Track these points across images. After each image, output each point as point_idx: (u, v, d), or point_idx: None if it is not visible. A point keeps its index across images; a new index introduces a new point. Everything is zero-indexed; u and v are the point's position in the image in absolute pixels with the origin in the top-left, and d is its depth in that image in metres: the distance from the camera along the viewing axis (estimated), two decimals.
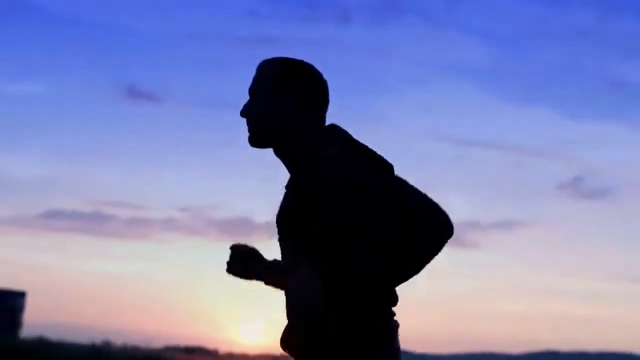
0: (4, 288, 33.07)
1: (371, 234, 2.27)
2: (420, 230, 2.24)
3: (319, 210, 2.27)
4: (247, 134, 2.45)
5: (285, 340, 2.40)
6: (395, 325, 2.32)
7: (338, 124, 2.45)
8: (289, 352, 2.40)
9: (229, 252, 2.42)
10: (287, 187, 2.44)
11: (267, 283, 2.39)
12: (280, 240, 2.42)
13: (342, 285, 2.25)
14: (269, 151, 2.47)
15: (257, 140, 2.44)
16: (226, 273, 2.42)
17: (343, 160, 2.29)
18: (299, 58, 2.47)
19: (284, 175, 2.48)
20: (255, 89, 2.44)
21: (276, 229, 2.44)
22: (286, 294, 2.37)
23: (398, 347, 2.31)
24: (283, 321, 2.42)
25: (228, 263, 2.42)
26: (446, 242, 2.28)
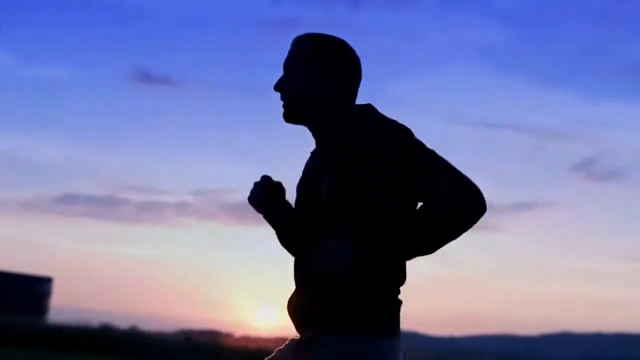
0: (31, 274, 33.32)
1: (402, 199, 2.28)
2: (451, 205, 2.23)
3: (356, 170, 2.28)
4: (281, 109, 2.46)
5: (291, 304, 2.40)
6: (400, 303, 2.34)
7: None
8: (292, 316, 2.41)
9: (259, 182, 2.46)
10: (316, 152, 2.46)
11: (279, 228, 2.49)
12: (304, 201, 2.43)
13: (367, 253, 2.25)
14: (282, 133, 2.51)
15: (292, 114, 2.45)
16: (247, 202, 2.48)
17: (382, 128, 2.29)
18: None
19: (297, 159, 2.52)
20: (290, 64, 2.46)
21: (298, 193, 2.47)
22: (305, 256, 2.38)
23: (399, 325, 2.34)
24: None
25: (251, 192, 2.47)
26: (477, 219, 2.26)
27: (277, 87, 2.46)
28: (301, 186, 2.46)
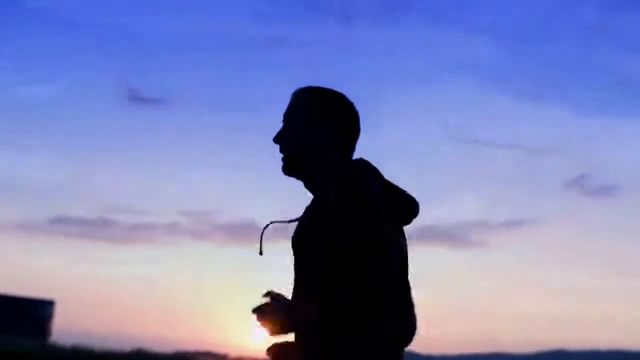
0: (34, 297, 33.19)
1: (368, 275, 2.19)
2: (389, 313, 2.16)
3: (340, 231, 2.22)
4: (280, 162, 2.44)
5: (277, 354, 2.34)
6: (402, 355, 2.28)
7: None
8: None
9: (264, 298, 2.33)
10: (310, 208, 2.41)
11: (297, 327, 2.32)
12: (295, 260, 2.39)
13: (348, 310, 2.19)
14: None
15: (292, 167, 2.43)
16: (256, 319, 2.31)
17: (374, 193, 2.28)
18: (309, 60, 2.60)
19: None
20: (291, 116, 2.45)
21: (292, 250, 2.40)
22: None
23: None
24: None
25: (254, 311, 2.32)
26: (405, 343, 2.21)
27: (276, 140, 2.45)
28: (296, 240, 2.41)
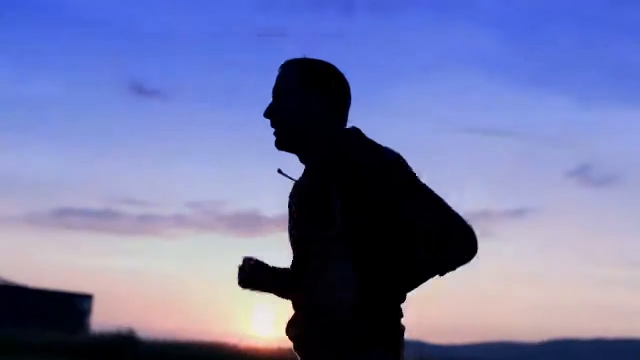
0: (71, 291, 33.59)
1: (391, 231, 2.23)
2: (446, 244, 2.20)
3: (351, 200, 2.22)
4: (272, 138, 2.40)
5: (293, 332, 2.35)
6: (403, 328, 2.31)
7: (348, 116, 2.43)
8: (294, 342, 2.36)
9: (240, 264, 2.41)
10: (308, 174, 2.38)
11: (278, 293, 2.42)
12: (296, 228, 2.35)
13: (370, 281, 2.21)
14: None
15: (285, 142, 2.39)
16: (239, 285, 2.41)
17: (376, 152, 2.26)
18: (310, 52, 2.44)
19: (292, 168, 2.42)
20: (281, 90, 2.39)
21: (291, 219, 2.38)
22: (307, 293, 2.31)
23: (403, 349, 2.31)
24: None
25: (238, 275, 2.40)
26: (469, 259, 2.22)
27: (267, 114, 2.39)
28: (294, 219, 2.37)
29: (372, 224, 2.23)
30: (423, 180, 2.25)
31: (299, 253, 2.36)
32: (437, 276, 2.23)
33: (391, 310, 2.26)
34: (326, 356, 2.25)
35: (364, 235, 2.23)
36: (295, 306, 2.37)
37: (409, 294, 2.27)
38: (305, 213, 2.31)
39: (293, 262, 2.40)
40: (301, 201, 2.34)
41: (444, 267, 2.22)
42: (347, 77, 2.42)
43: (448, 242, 2.19)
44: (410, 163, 2.27)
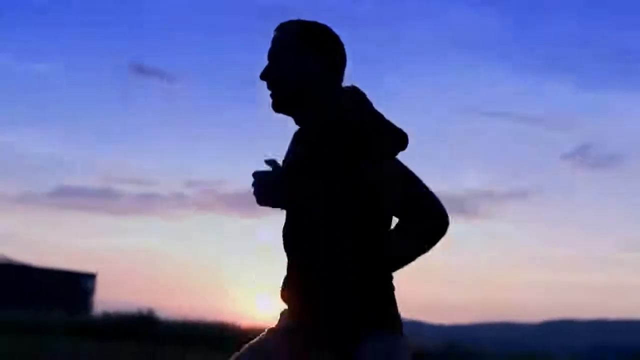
0: (75, 270, 33.68)
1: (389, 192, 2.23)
2: (415, 220, 2.22)
3: (350, 156, 2.21)
4: (269, 99, 2.39)
5: (291, 301, 2.34)
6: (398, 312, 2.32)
7: None
8: (289, 305, 2.35)
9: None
10: (300, 139, 2.38)
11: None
12: (295, 182, 2.30)
13: (366, 250, 2.22)
14: (276, 122, 2.41)
15: (282, 102, 2.37)
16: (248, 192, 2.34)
17: (373, 115, 2.26)
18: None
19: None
20: (277, 51, 2.39)
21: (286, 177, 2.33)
22: (306, 256, 2.28)
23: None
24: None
25: (254, 186, 2.32)
26: (439, 236, 2.25)
27: (264, 76, 2.39)
28: (292, 167, 2.33)
29: (370, 187, 2.21)
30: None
31: (298, 210, 2.30)
32: (413, 253, 2.24)
33: (387, 285, 2.27)
34: (330, 334, 2.22)
35: (364, 198, 2.22)
36: (291, 268, 2.34)
37: (410, 274, 2.30)
38: (308, 165, 2.27)
39: (288, 219, 2.36)
40: (305, 150, 2.31)
41: (421, 248, 2.24)
42: (348, 59, 2.42)
43: (421, 215, 2.22)
44: (413, 145, 2.26)
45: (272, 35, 2.44)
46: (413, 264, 2.28)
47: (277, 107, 2.39)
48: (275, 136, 2.53)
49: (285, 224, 2.37)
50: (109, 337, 19.42)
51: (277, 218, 2.38)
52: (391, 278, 2.32)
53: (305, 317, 2.28)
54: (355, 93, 2.34)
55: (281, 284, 2.38)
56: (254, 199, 2.29)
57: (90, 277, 33.54)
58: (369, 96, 2.34)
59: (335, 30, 2.42)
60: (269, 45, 2.44)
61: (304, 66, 2.35)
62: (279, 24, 2.43)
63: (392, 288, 2.31)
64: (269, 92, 2.39)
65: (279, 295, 2.38)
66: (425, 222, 2.23)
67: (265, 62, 2.43)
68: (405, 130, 2.27)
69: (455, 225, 2.26)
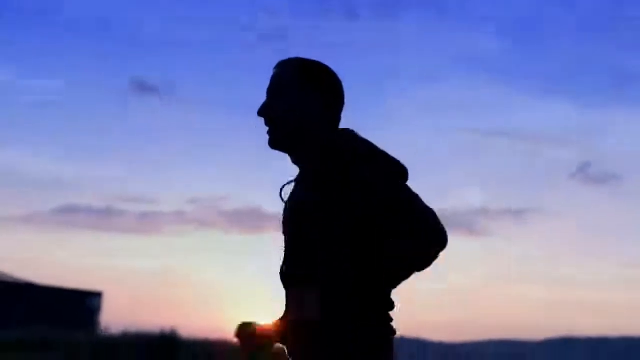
0: (81, 289, 33.52)
1: (385, 228, 2.20)
2: (414, 238, 2.18)
3: (344, 201, 2.21)
4: (266, 136, 2.40)
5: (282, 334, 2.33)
6: (393, 331, 2.27)
7: (348, 121, 2.43)
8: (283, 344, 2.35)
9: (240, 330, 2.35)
10: (300, 180, 2.37)
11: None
12: (289, 234, 2.33)
13: (349, 288, 2.20)
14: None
15: (279, 140, 2.37)
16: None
17: (369, 154, 2.24)
18: (312, 56, 2.45)
19: (292, 165, 2.43)
20: (276, 88, 2.39)
21: (283, 224, 2.37)
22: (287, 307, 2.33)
23: (393, 354, 2.27)
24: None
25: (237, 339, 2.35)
26: (438, 252, 2.21)
27: (262, 112, 2.38)
28: (293, 214, 2.33)
29: (370, 225, 2.20)
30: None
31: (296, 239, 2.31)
32: (410, 270, 2.22)
33: (375, 313, 2.24)
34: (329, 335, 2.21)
35: (363, 238, 2.20)
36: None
37: (410, 292, 2.27)
38: (293, 216, 2.31)
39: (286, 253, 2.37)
40: (296, 221, 2.31)
41: (417, 258, 2.20)
42: (348, 81, 2.42)
43: (419, 233, 2.17)
44: (412, 164, 2.27)
45: (272, 70, 2.45)
46: (413, 279, 2.26)
47: (275, 144, 2.39)
48: (276, 154, 2.44)
49: (284, 260, 2.37)
50: (126, 356, 19.44)
51: (278, 235, 2.41)
52: (389, 292, 2.28)
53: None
54: (352, 134, 2.33)
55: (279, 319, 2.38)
56: (254, 216, 2.33)
57: (96, 296, 33.39)
58: (369, 114, 2.44)
59: (330, 51, 2.42)
60: (269, 67, 2.46)
61: (302, 104, 2.35)
62: (278, 61, 2.43)
63: (391, 303, 2.28)
64: (267, 129, 2.40)
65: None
66: (422, 229, 2.18)
67: (265, 83, 2.45)
68: (404, 148, 2.32)
69: (454, 242, 2.25)
